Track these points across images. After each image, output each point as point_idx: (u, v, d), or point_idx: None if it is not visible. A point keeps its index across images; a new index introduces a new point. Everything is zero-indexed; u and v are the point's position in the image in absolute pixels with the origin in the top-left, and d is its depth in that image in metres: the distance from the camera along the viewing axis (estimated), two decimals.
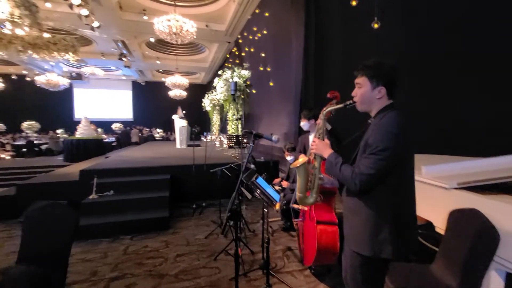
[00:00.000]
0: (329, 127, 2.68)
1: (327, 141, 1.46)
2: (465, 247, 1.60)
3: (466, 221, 1.65)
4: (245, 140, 5.91)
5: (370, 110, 1.36)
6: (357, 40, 4.43)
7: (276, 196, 1.72)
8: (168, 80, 13.15)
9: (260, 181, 1.74)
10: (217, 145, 8.57)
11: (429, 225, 2.08)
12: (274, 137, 1.70)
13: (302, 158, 1.46)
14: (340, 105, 1.44)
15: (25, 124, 14.44)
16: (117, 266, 2.70)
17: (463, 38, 2.96)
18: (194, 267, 2.67)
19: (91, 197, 3.86)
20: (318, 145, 1.44)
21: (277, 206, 1.67)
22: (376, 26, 3.42)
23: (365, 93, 1.32)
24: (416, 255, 2.68)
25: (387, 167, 1.19)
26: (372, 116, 1.36)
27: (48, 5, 7.28)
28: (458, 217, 1.73)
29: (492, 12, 2.72)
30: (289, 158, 3.61)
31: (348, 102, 1.40)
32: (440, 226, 1.92)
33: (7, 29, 7.46)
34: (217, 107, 10.44)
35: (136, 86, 19.92)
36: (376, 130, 1.24)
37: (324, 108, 1.49)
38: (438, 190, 1.96)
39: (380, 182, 1.23)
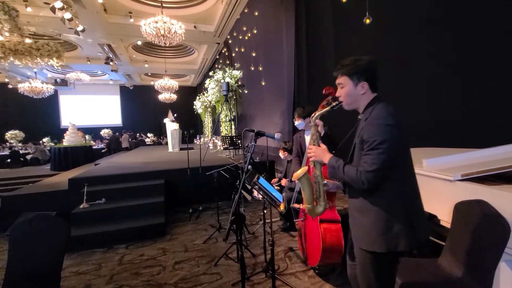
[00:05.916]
0: (322, 131, 2.57)
1: (323, 146, 1.45)
2: (472, 238, 1.57)
3: (473, 212, 1.62)
4: (239, 141, 5.82)
5: (358, 106, 1.37)
6: (349, 36, 4.41)
7: (279, 197, 1.65)
8: (157, 83, 12.88)
9: (262, 181, 1.66)
10: (211, 147, 8.46)
11: (433, 219, 2.05)
12: (276, 135, 1.64)
13: (301, 170, 1.43)
14: (327, 108, 1.46)
15: (8, 134, 13.91)
16: (113, 278, 2.58)
17: (459, 35, 2.96)
18: (194, 274, 2.57)
19: (81, 206, 3.70)
20: (316, 151, 1.42)
21: (282, 207, 1.60)
22: (368, 21, 3.39)
23: (349, 91, 1.34)
24: (418, 250, 2.67)
25: (389, 160, 1.18)
26: (360, 112, 1.37)
27: (29, 9, 7.02)
28: (464, 209, 1.70)
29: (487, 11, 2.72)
30: (283, 156, 3.57)
31: (334, 104, 1.42)
32: (446, 219, 1.90)
33: None
34: (209, 109, 10.33)
35: (124, 90, 19.50)
36: (369, 124, 1.24)
37: (313, 114, 1.48)
38: (442, 183, 1.93)
39: (385, 177, 1.21)
